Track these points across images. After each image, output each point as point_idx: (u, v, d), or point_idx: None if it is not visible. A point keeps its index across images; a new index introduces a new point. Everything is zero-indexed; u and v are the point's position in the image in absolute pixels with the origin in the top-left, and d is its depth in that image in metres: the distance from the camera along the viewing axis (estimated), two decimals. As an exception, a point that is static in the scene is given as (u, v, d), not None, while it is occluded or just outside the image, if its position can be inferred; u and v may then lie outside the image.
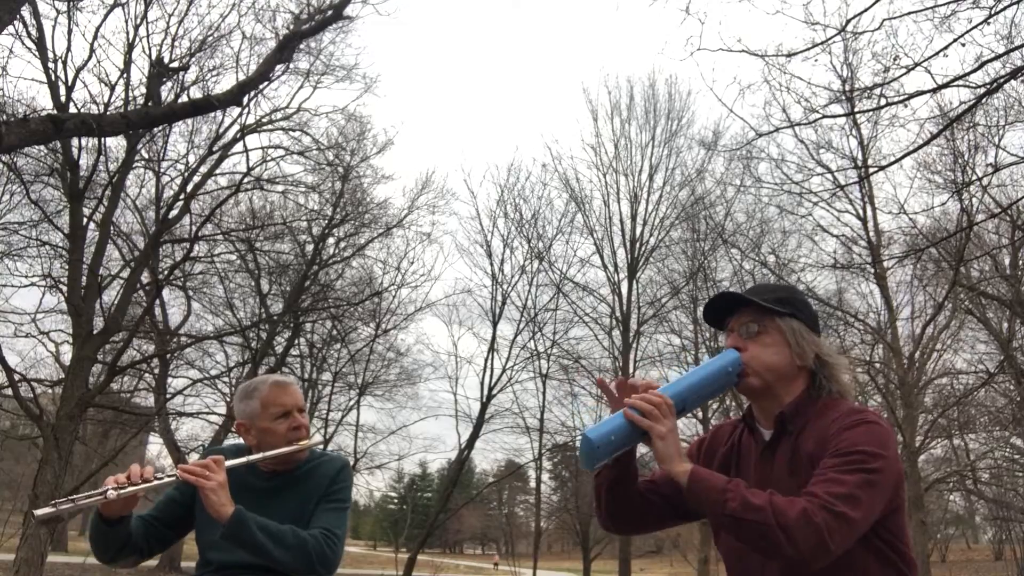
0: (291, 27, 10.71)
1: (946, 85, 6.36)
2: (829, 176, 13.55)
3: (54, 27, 11.02)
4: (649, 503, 1.75)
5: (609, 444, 1.56)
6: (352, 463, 20.65)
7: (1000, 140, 10.66)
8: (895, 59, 6.97)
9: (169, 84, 12.11)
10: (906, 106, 6.95)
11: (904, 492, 1.58)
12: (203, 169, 13.80)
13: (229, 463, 1.98)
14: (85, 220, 11.58)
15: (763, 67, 7.91)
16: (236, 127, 13.87)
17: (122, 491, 1.79)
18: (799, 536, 1.38)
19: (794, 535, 1.38)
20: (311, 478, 2.16)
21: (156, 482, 1.87)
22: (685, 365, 19.91)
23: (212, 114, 12.76)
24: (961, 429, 17.68)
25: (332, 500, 2.14)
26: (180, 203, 13.26)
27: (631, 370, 19.24)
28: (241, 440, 2.25)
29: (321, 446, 2.28)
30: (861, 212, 15.84)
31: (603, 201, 20.53)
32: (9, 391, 10.58)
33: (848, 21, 6.60)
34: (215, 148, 13.79)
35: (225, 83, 13.87)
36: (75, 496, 1.75)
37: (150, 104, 10.78)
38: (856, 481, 1.43)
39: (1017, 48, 6.54)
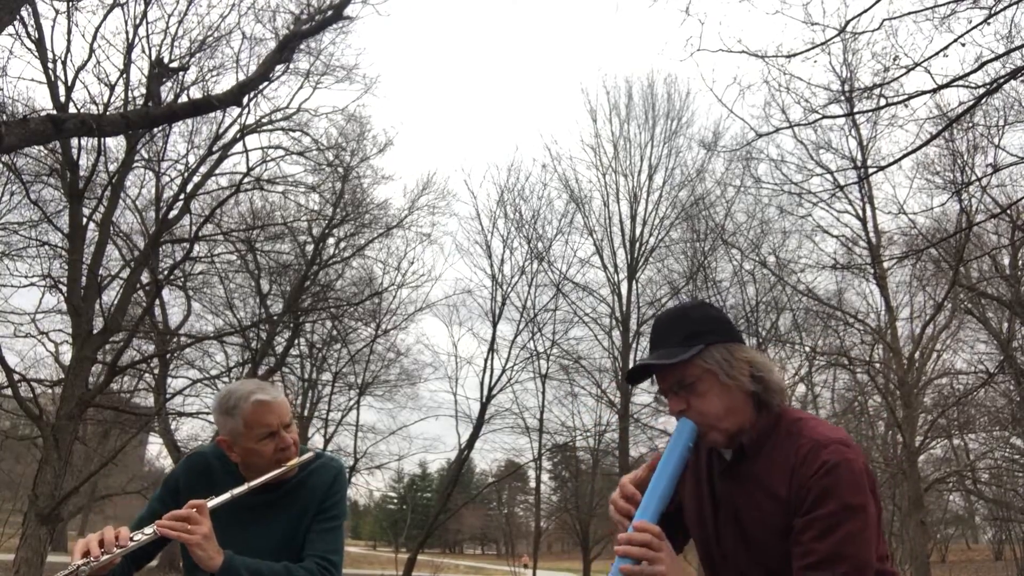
0: (291, 27, 10.72)
1: (946, 85, 6.36)
2: (829, 176, 13.56)
3: (53, 27, 11.05)
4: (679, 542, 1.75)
5: None
6: (352, 463, 20.63)
7: (1000, 140, 10.65)
8: (895, 59, 6.98)
9: (169, 84, 12.12)
10: (906, 106, 6.97)
11: (879, 507, 1.54)
12: (203, 169, 13.80)
13: (212, 504, 1.86)
14: (85, 220, 11.58)
15: (763, 67, 7.92)
16: (236, 127, 13.89)
17: (94, 564, 1.66)
18: None
19: None
20: (303, 490, 2.06)
21: (132, 544, 1.74)
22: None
23: (212, 114, 12.77)
24: (961, 429, 17.68)
25: (326, 518, 2.04)
26: (180, 203, 13.26)
27: (631, 370, 19.22)
28: None
29: (310, 452, 2.14)
30: (861, 212, 15.85)
31: (603, 201, 20.57)
32: (9, 391, 10.59)
33: (848, 22, 6.61)
34: (215, 148, 13.80)
35: (225, 83, 13.90)
36: None
37: (150, 104, 10.78)
38: (852, 553, 1.42)
39: (1017, 48, 6.54)
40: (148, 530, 1.79)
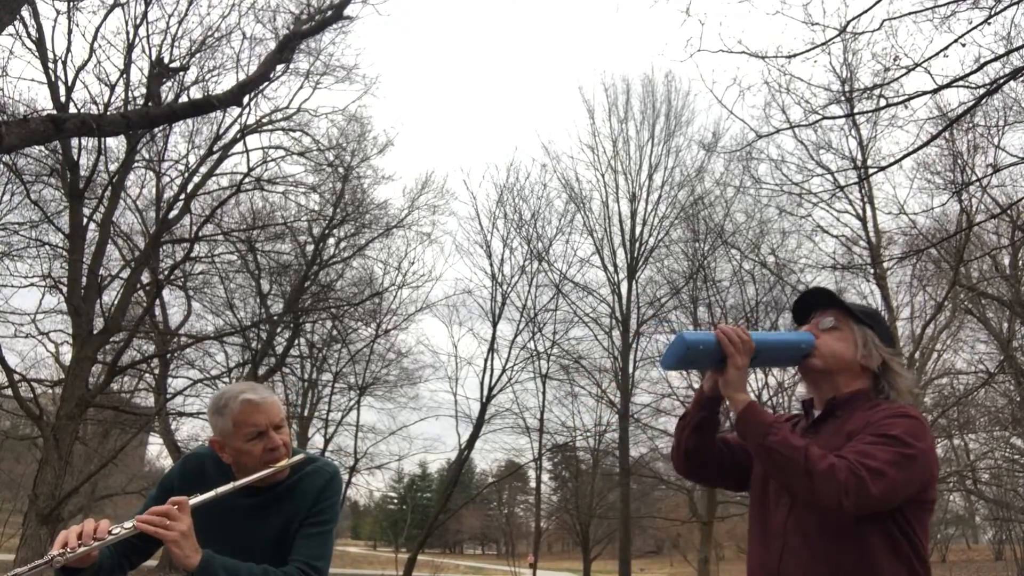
0: (291, 27, 10.73)
1: (946, 86, 6.36)
2: (829, 177, 13.53)
3: (54, 27, 11.13)
4: (722, 455, 1.92)
5: (696, 352, 1.70)
6: (352, 463, 20.64)
7: (1000, 140, 10.64)
8: (895, 60, 6.97)
9: (169, 84, 12.13)
10: (906, 107, 6.96)
11: (934, 494, 1.66)
12: (203, 169, 13.83)
13: (194, 501, 1.83)
14: (85, 220, 11.60)
15: (763, 68, 7.92)
16: (236, 127, 13.92)
17: (69, 555, 1.65)
18: (820, 486, 1.51)
19: (816, 484, 1.52)
20: (295, 493, 2.02)
21: (110, 538, 1.71)
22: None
23: (212, 114, 12.78)
24: (961, 429, 17.66)
25: (315, 522, 2.00)
26: (180, 203, 13.28)
27: (631, 370, 19.24)
28: None
29: (302, 455, 2.11)
30: (861, 212, 15.84)
31: (602, 201, 20.54)
32: (9, 391, 10.60)
33: (848, 22, 6.60)
34: (215, 148, 13.82)
35: (225, 83, 13.87)
36: (17, 570, 1.62)
37: (150, 104, 10.78)
38: (887, 459, 1.52)
39: (1017, 49, 6.53)
40: (127, 524, 1.76)
